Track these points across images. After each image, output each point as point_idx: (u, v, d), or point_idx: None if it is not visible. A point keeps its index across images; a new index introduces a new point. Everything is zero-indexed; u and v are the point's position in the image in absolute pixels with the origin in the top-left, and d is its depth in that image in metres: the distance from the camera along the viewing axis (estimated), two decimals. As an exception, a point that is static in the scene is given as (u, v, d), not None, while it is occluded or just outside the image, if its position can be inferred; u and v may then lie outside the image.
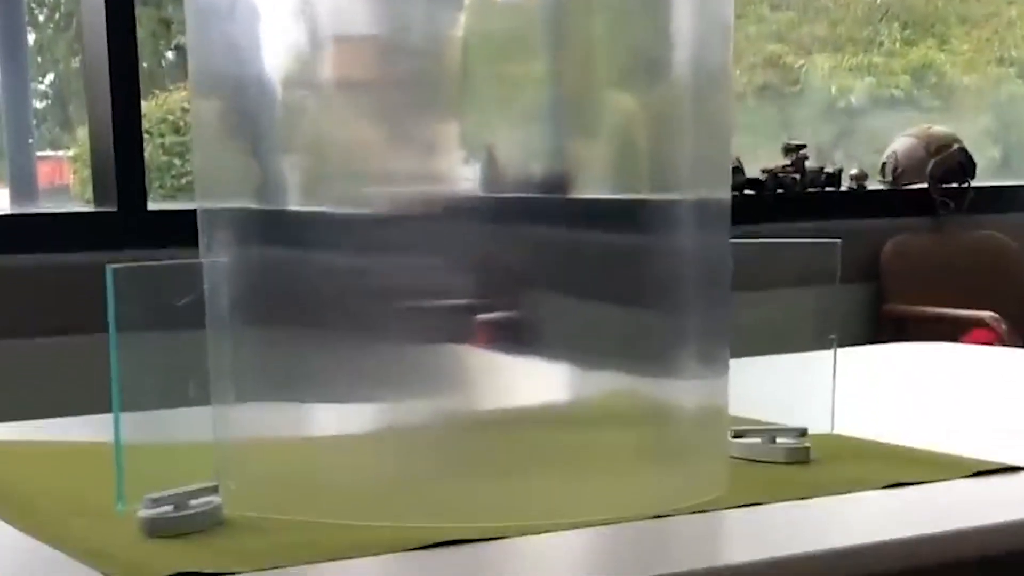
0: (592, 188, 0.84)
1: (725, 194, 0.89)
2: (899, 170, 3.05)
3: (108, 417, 0.77)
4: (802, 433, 0.95)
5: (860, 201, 3.01)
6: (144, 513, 0.75)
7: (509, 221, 0.80)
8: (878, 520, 0.80)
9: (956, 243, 2.95)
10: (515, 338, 0.82)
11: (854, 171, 3.07)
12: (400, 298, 0.78)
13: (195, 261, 0.80)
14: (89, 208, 2.18)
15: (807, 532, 0.78)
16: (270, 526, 0.76)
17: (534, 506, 0.78)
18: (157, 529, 0.74)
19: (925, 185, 3.03)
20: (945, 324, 2.64)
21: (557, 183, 0.84)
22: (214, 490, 0.78)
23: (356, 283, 0.78)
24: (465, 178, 0.81)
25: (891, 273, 2.83)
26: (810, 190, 2.97)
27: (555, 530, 0.75)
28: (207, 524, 0.76)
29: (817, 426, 0.97)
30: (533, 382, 0.82)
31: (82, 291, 2.02)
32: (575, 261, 0.81)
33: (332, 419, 0.82)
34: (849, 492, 0.84)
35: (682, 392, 0.87)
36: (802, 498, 0.83)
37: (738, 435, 0.93)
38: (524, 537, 0.74)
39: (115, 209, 2.10)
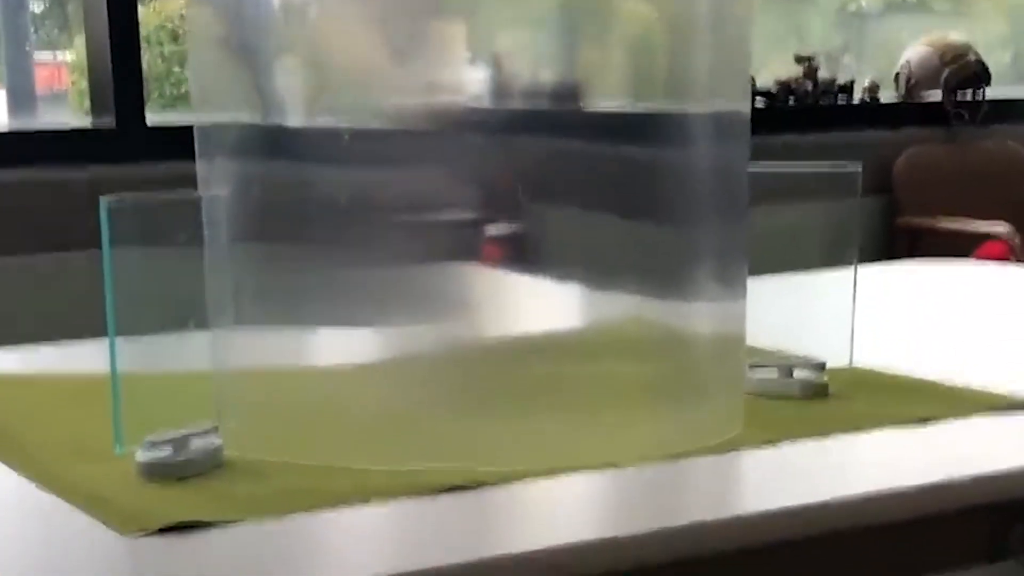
0: (605, 99, 0.80)
1: (744, 106, 0.84)
2: (913, 81, 2.99)
3: (107, 344, 0.74)
4: (820, 367, 0.92)
5: (873, 112, 2.95)
6: (143, 456, 0.72)
7: (517, 133, 0.76)
8: (897, 463, 0.78)
9: (970, 154, 2.90)
10: (523, 256, 0.78)
11: (867, 82, 3.01)
12: (404, 213, 0.74)
13: (192, 196, 0.77)
14: (86, 124, 2.14)
15: (824, 477, 0.76)
16: (270, 469, 0.74)
17: (543, 448, 0.75)
18: (156, 473, 0.72)
19: (939, 96, 2.97)
20: (959, 237, 2.60)
21: (568, 94, 0.80)
22: (214, 431, 0.75)
23: (359, 198, 0.75)
24: (472, 88, 0.77)
25: (904, 185, 2.79)
26: (822, 102, 2.92)
27: (564, 473, 0.73)
28: (207, 467, 0.73)
29: (835, 357, 0.94)
30: (542, 305, 0.78)
31: (80, 208, 1.99)
32: (587, 175, 0.77)
33: (334, 346, 0.79)
34: (867, 430, 0.82)
35: (698, 317, 0.83)
36: (820, 435, 0.80)
37: (753, 367, 0.91)
38: (532, 481, 0.72)
39: (113, 125, 2.06)
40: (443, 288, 0.77)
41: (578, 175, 0.77)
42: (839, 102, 2.94)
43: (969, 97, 2.97)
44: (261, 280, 0.79)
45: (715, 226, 0.82)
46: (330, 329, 0.79)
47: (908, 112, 2.96)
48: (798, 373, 0.91)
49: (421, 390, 0.77)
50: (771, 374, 0.91)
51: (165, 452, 0.73)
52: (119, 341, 0.74)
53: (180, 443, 0.73)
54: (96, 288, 0.79)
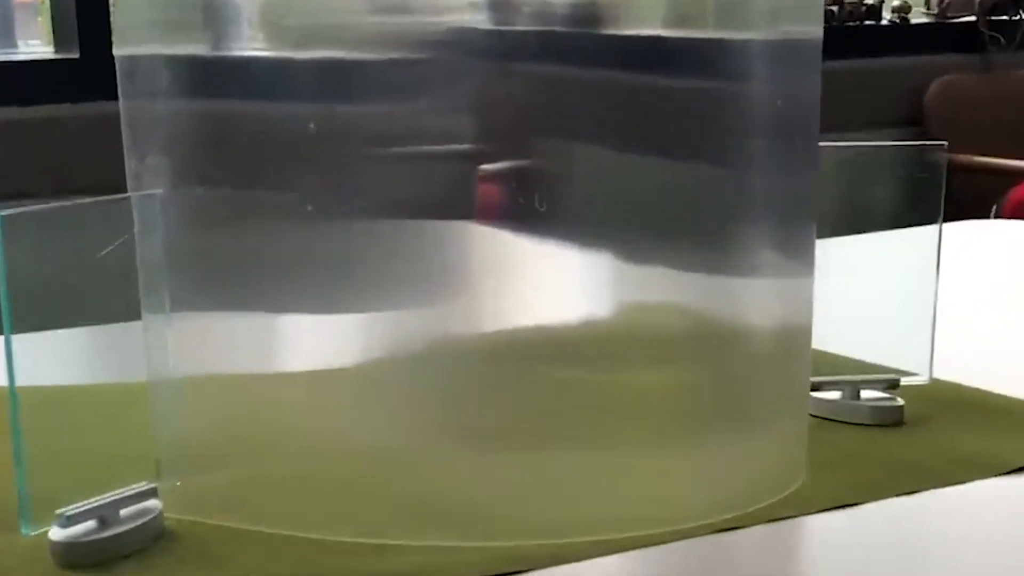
0: (634, 21, 0.63)
1: (815, 29, 0.67)
2: (946, 1, 2.80)
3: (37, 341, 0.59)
4: (892, 384, 0.77)
5: (902, 36, 2.76)
6: (58, 535, 0.57)
7: (521, 61, 0.59)
8: (1001, 542, 0.62)
9: (1007, 83, 2.72)
10: (528, 215, 0.60)
11: (896, 2, 2.82)
12: (382, 156, 0.58)
13: (113, 199, 0.60)
14: (48, 54, 1.96)
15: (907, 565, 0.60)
16: (227, 543, 0.58)
17: (555, 510, 0.60)
18: (75, 558, 0.57)
19: (973, 17, 2.78)
20: (994, 174, 2.43)
21: (588, 14, 0.62)
22: (151, 492, 0.60)
23: (329, 134, 0.58)
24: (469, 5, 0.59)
25: (936, 116, 2.61)
26: (848, 24, 2.73)
27: (583, 554, 0.58)
28: (144, 543, 0.58)
29: (910, 365, 0.79)
30: (552, 284, 0.62)
31: (42, 148, 1.83)
32: (612, 109, 0.59)
33: (296, 343, 0.63)
34: (957, 482, 0.66)
35: (754, 302, 0.65)
36: (900, 487, 0.65)
37: (814, 388, 0.75)
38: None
39: (77, 56, 1.88)
40: (429, 257, 0.60)
41: (599, 113, 0.59)
42: (866, 23, 2.75)
43: (1007, 19, 2.79)
44: (204, 245, 0.62)
45: (777, 178, 0.64)
46: (292, 318, 0.62)
47: (940, 36, 2.78)
48: (867, 393, 0.76)
49: (407, 414, 0.61)
50: (832, 392, 0.76)
51: (87, 527, 0.58)
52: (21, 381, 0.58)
53: (107, 514, 0.58)
54: (63, 238, 0.63)
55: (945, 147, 0.78)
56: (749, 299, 0.65)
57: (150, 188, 0.61)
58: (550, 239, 0.60)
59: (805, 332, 0.68)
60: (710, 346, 0.64)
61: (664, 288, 0.63)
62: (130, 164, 0.62)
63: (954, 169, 2.52)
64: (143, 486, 0.60)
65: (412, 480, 0.60)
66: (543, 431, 0.61)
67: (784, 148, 0.65)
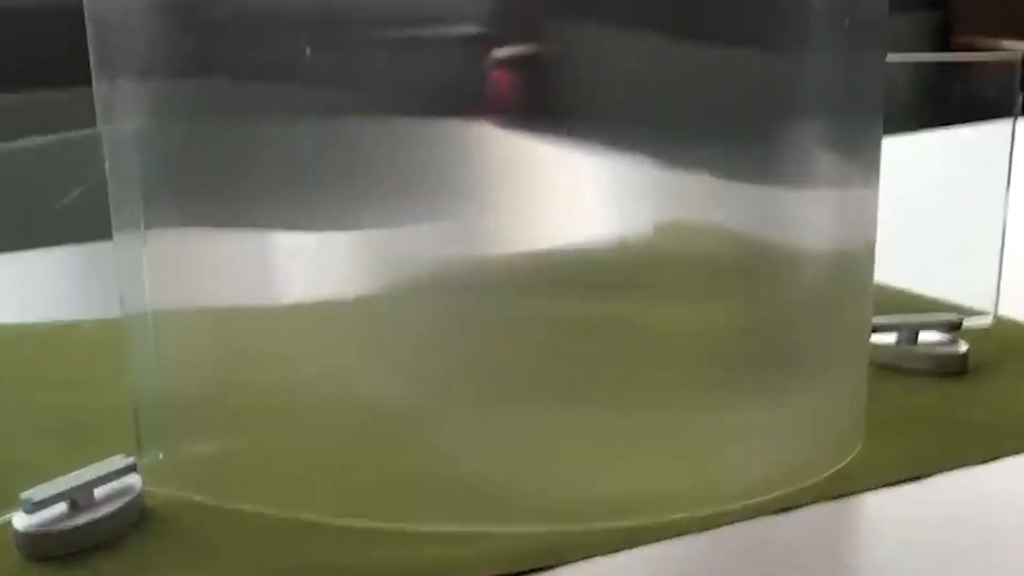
0: None
1: None
2: None
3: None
4: (955, 325, 0.69)
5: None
6: (22, 524, 0.50)
7: None
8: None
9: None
10: (545, 106, 0.51)
11: None
12: (382, 28, 0.49)
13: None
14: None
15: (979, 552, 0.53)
16: (213, 529, 0.52)
17: (579, 498, 0.53)
18: (44, 549, 0.50)
19: None
20: None
21: None
22: (131, 468, 0.53)
23: (322, 17, 0.49)
24: None
25: (960, -1, 2.50)
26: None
27: (620, 542, 0.51)
28: (121, 530, 0.52)
29: (973, 299, 0.71)
30: (573, 195, 0.53)
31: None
32: None
33: (290, 273, 0.55)
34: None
35: (809, 219, 0.55)
36: (972, 462, 0.57)
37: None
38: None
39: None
40: (438, 163, 0.52)
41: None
42: None
43: None
44: (185, 148, 0.53)
45: (838, 62, 0.55)
46: (286, 238, 0.54)
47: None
48: (925, 336, 0.69)
49: (416, 356, 0.53)
50: (886, 335, 0.69)
51: (57, 513, 0.51)
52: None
53: (80, 496, 0.51)
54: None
55: (1020, 58, 0.69)
56: (805, 215, 0.55)
57: (123, 117, 0.53)
58: (572, 142, 0.52)
59: (868, 257, 0.58)
60: (758, 274, 0.54)
61: (705, 203, 0.53)
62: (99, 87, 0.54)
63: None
64: (121, 461, 0.53)
65: (424, 445, 0.53)
66: (568, 381, 0.54)
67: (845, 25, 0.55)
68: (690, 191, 0.53)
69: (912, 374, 0.66)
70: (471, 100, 0.51)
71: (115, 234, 0.55)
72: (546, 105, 0.52)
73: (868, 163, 0.58)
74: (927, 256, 0.72)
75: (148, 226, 0.54)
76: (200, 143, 0.53)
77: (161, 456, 0.55)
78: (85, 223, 0.58)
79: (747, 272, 0.55)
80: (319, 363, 0.54)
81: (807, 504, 0.53)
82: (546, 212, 0.53)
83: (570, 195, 0.52)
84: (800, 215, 0.55)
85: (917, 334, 0.68)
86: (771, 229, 0.54)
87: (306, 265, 0.54)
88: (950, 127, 0.76)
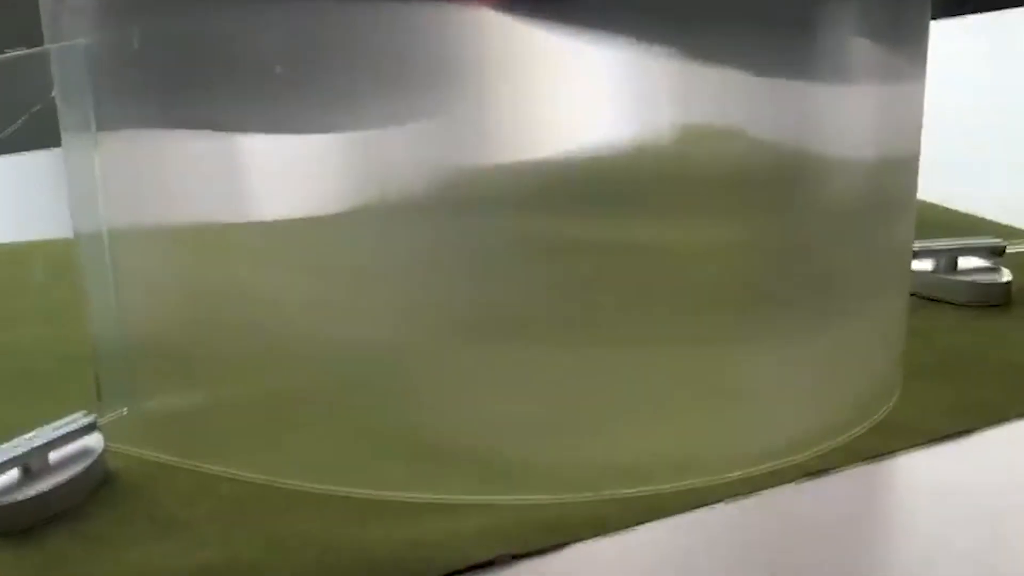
0: None
1: None
2: None
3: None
4: (997, 251, 0.64)
5: None
6: (-32, 495, 0.45)
7: None
8: None
9: None
10: None
11: None
12: None
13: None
14: None
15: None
16: (181, 499, 0.46)
17: (588, 463, 0.47)
18: (-9, 524, 0.45)
19: None
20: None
21: None
22: (90, 427, 0.48)
23: None
24: None
25: None
26: None
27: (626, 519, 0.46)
28: (80, 499, 0.47)
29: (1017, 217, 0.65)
30: (577, 93, 0.46)
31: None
32: None
33: (261, 184, 0.48)
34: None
35: (847, 121, 0.48)
36: (1006, 417, 0.52)
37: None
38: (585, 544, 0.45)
39: None
40: (423, 53, 0.45)
41: None
42: None
43: None
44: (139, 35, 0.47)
45: None
46: (255, 141, 0.48)
47: None
48: (964, 262, 0.63)
49: (404, 291, 0.48)
50: (922, 261, 0.63)
51: (6, 482, 0.46)
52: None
53: (33, 461, 0.46)
54: None
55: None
56: (843, 116, 0.48)
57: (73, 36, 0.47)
58: (575, 29, 0.45)
59: (912, 165, 0.52)
60: (789, 186, 0.48)
61: (729, 102, 0.46)
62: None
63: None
64: (80, 419, 0.48)
65: (417, 399, 0.47)
66: (574, 316, 0.48)
67: None
68: (713, 88, 0.46)
69: (949, 306, 0.61)
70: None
71: (63, 136, 0.48)
72: None
73: (914, 52, 0.50)
74: (966, 166, 0.66)
75: (100, 128, 0.47)
76: (155, 39, 0.46)
77: (125, 411, 0.50)
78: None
79: (777, 184, 0.48)
80: (298, 295, 0.48)
81: (841, 468, 0.48)
82: (550, 111, 0.46)
83: (577, 92, 0.46)
84: (837, 116, 0.48)
85: (956, 260, 0.62)
86: (805, 133, 0.47)
87: (281, 174, 0.48)
88: (1003, 8, 0.68)
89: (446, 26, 0.45)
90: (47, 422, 0.47)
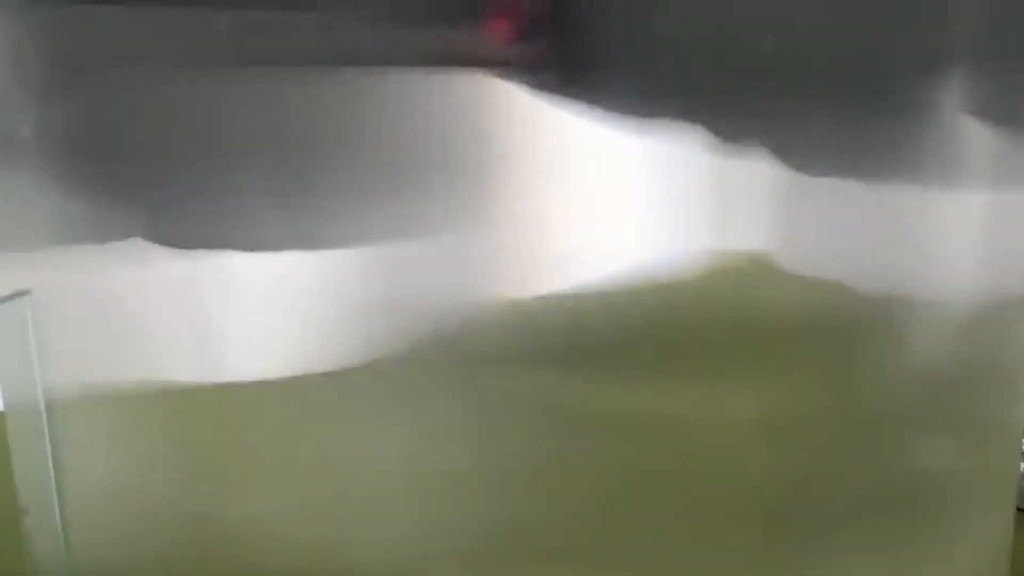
0: None
1: None
2: None
3: None
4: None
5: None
6: None
7: None
8: None
9: None
10: (565, 60, 0.34)
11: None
12: None
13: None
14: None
15: None
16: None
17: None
18: None
19: None
20: None
21: None
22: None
23: None
24: None
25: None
26: None
27: None
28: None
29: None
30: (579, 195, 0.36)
31: None
32: None
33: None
34: None
35: (936, 248, 0.36)
36: None
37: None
38: None
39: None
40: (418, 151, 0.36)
41: None
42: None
43: None
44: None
45: None
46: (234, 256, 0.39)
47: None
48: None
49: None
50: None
51: None
52: None
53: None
54: None
55: None
56: (933, 238, 0.37)
57: None
58: (587, 103, 0.36)
59: None
60: (857, 342, 0.37)
61: (772, 216, 0.37)
62: None
63: None
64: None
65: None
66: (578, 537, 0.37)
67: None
68: (757, 197, 0.37)
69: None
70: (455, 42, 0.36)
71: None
72: (553, 48, 0.37)
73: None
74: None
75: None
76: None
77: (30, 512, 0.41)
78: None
79: (840, 336, 0.38)
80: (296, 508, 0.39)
81: None
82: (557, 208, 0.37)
83: (601, 205, 0.37)
84: (926, 237, 0.37)
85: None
86: (879, 268, 0.37)
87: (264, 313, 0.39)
88: None
89: (440, 89, 0.38)
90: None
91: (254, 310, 0.37)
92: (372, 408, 0.36)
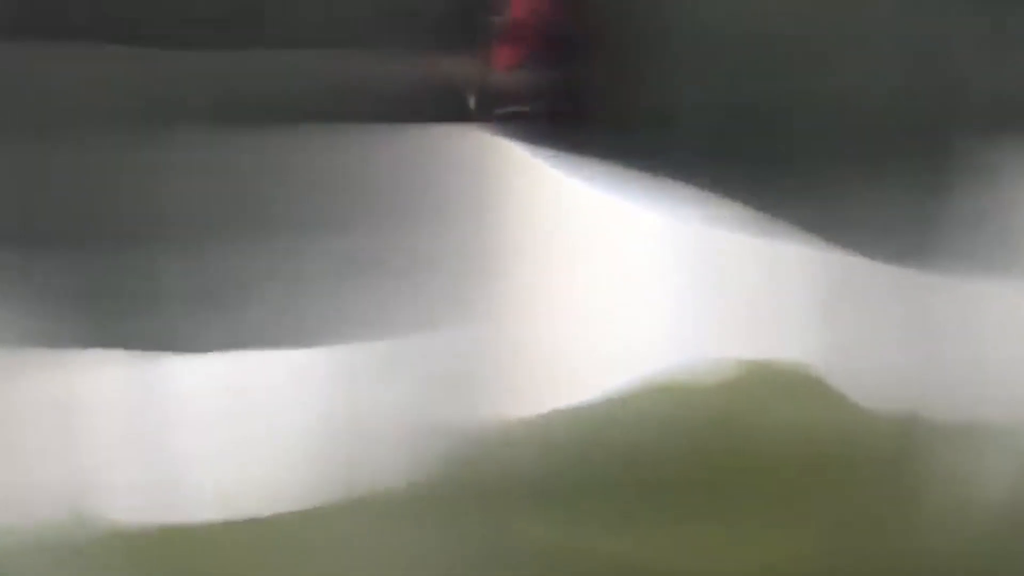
0: None
1: None
2: None
3: None
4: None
5: None
6: None
7: None
8: None
9: None
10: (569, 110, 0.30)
11: None
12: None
13: None
14: None
15: None
16: None
17: None
18: None
19: None
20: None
21: None
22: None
23: None
24: None
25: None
26: None
27: None
28: None
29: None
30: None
31: None
32: None
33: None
34: None
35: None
36: None
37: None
38: None
39: None
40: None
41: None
42: None
43: None
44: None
45: None
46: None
47: None
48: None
49: None
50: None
51: None
52: None
53: None
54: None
55: None
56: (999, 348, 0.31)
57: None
58: (600, 161, 0.30)
59: None
60: (919, 511, 0.30)
61: (827, 324, 0.31)
62: None
63: None
64: None
65: None
66: None
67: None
68: (794, 284, 0.31)
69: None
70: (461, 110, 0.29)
71: None
72: (569, 112, 0.31)
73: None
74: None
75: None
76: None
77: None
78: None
79: (903, 481, 0.32)
80: None
81: None
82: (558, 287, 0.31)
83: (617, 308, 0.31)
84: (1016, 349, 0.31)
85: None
86: (956, 390, 0.30)
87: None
88: None
89: (441, 145, 0.31)
90: None
91: (215, 429, 0.32)
92: (353, 554, 0.31)
